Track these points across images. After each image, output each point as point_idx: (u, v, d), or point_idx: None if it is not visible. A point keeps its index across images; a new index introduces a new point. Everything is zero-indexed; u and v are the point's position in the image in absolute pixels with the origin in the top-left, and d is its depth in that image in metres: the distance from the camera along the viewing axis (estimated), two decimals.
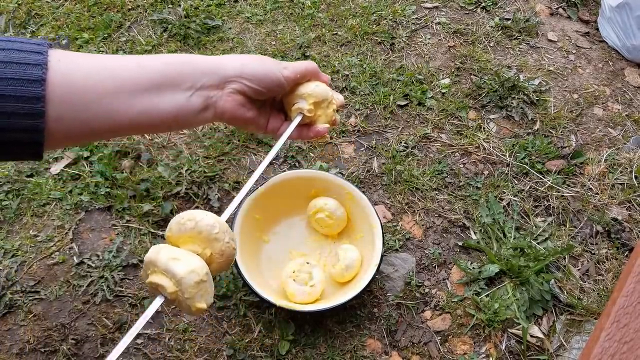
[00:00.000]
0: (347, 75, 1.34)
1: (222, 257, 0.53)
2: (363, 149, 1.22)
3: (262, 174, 1.17)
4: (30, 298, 0.97)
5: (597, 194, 1.18)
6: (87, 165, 1.14)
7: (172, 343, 0.94)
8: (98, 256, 1.03)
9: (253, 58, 0.62)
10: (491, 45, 1.45)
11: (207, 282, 0.51)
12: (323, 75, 0.69)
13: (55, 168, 1.14)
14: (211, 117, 0.60)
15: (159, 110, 0.55)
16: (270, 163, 1.17)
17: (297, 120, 0.67)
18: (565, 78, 1.40)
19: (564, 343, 0.98)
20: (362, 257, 0.98)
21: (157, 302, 0.50)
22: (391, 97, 1.30)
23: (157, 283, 0.49)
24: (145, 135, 1.21)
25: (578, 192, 1.18)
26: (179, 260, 0.49)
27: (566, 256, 1.08)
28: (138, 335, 0.95)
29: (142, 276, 0.53)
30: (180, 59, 0.57)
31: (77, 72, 0.50)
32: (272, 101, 0.68)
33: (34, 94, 0.46)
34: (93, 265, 1.01)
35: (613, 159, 1.24)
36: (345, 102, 1.29)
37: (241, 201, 0.98)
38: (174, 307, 0.52)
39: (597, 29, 1.53)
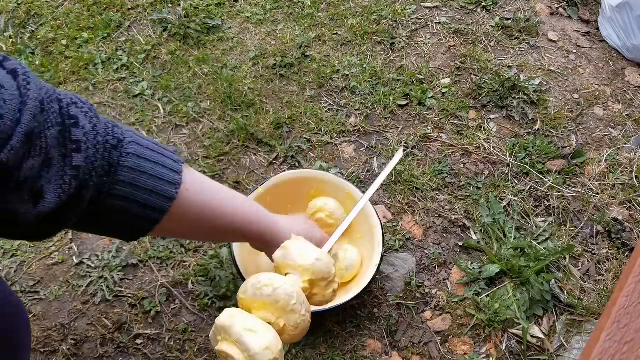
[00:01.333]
0: (347, 75, 1.34)
1: (295, 330, 0.50)
2: (363, 149, 1.22)
3: (262, 174, 1.17)
4: (30, 298, 0.97)
5: (598, 194, 1.18)
6: None
7: (172, 343, 0.94)
8: (98, 256, 1.02)
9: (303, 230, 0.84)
10: (491, 45, 1.45)
11: (280, 359, 0.48)
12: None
13: None
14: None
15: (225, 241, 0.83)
16: (270, 163, 1.17)
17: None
18: (565, 78, 1.40)
19: (565, 343, 0.98)
20: (362, 258, 0.98)
21: None
22: (391, 97, 1.29)
23: (228, 354, 0.47)
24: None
25: (578, 192, 1.18)
26: (254, 333, 0.47)
27: (567, 256, 1.07)
28: (138, 336, 0.95)
29: (211, 338, 0.51)
30: (269, 221, 0.76)
31: (197, 199, 0.62)
32: None
33: (162, 208, 0.57)
34: (92, 265, 1.01)
35: (614, 159, 1.23)
36: (345, 102, 1.29)
37: None
38: None
39: (598, 29, 1.53)
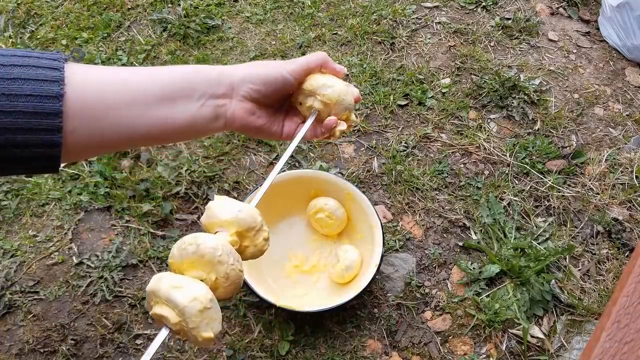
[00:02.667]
0: (347, 75, 1.34)
1: (227, 281, 0.50)
2: (363, 149, 1.22)
3: (261, 174, 1.17)
4: (30, 298, 0.97)
5: (598, 194, 1.18)
6: (86, 165, 1.13)
7: (172, 343, 0.94)
8: (97, 256, 1.02)
9: (258, 62, 0.61)
10: (492, 44, 1.45)
11: (212, 309, 0.48)
12: (336, 66, 0.64)
13: None
14: (222, 126, 0.60)
15: (173, 120, 0.56)
16: (270, 163, 1.17)
17: (310, 121, 0.62)
18: (565, 78, 1.40)
19: (565, 343, 0.98)
20: (362, 258, 0.98)
21: (162, 335, 0.47)
22: (391, 97, 1.29)
23: (160, 314, 0.47)
24: None
25: (579, 192, 1.18)
26: (180, 288, 0.47)
27: (567, 256, 1.07)
28: (137, 336, 0.95)
29: (146, 308, 0.51)
30: (189, 69, 0.58)
31: (92, 86, 0.51)
32: (288, 107, 0.66)
33: (52, 110, 0.47)
34: (92, 265, 1.01)
35: (614, 159, 1.23)
36: None
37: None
38: (183, 339, 0.49)
39: (598, 29, 1.53)
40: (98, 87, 0.51)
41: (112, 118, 0.52)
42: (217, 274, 0.50)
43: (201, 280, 0.49)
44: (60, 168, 0.51)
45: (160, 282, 0.48)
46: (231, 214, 0.54)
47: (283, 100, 0.64)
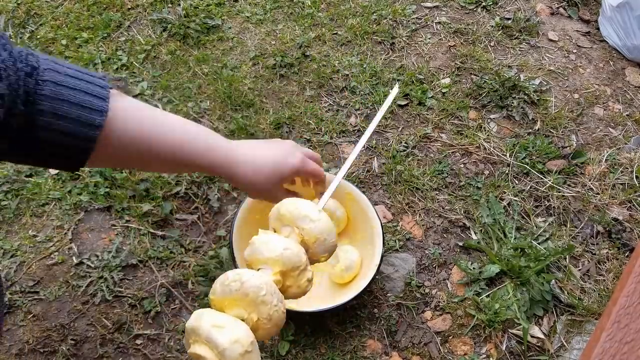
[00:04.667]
0: (347, 75, 1.34)
1: (269, 323, 0.48)
2: (363, 148, 1.22)
3: None
4: (30, 298, 0.97)
5: (598, 194, 1.18)
6: None
7: (172, 343, 0.94)
8: (97, 256, 1.02)
9: (263, 156, 0.70)
10: (492, 44, 1.45)
11: (252, 352, 0.46)
12: (315, 172, 0.76)
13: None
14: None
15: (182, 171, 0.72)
16: None
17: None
18: (565, 78, 1.40)
19: (565, 343, 0.98)
20: (361, 259, 0.98)
21: None
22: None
23: (199, 355, 0.45)
24: None
25: (579, 192, 1.18)
26: (222, 328, 0.45)
27: (567, 256, 1.07)
28: (137, 336, 0.95)
29: (185, 345, 0.49)
30: (208, 145, 0.66)
31: (126, 127, 0.58)
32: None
33: (89, 137, 0.54)
34: (92, 265, 1.01)
35: (614, 159, 1.23)
36: (345, 101, 1.29)
37: (241, 201, 0.97)
38: None
39: (598, 29, 1.53)
40: (131, 130, 0.58)
41: (133, 156, 0.61)
42: (259, 315, 0.48)
43: (242, 320, 0.47)
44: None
45: (201, 320, 0.46)
46: (277, 252, 0.52)
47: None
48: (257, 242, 0.53)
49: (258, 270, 0.53)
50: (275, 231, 0.58)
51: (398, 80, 1.33)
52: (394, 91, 0.73)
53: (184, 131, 0.64)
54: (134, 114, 0.59)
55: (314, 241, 0.56)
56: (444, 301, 1.02)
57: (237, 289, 0.47)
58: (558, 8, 1.58)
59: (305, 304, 0.93)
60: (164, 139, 0.62)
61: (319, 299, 0.96)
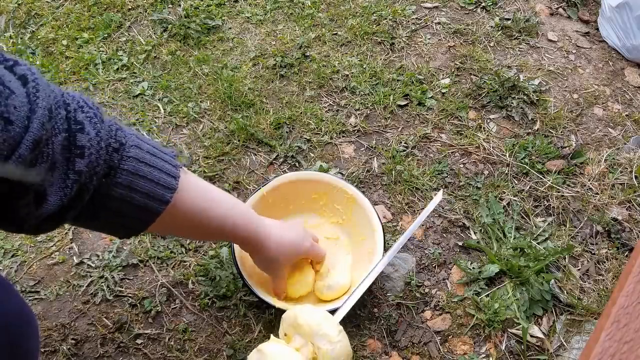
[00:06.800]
0: (347, 75, 1.34)
1: None
2: (363, 149, 1.22)
3: (262, 174, 1.17)
4: (30, 298, 0.97)
5: (597, 194, 1.18)
6: None
7: (172, 343, 0.94)
8: (98, 256, 1.03)
9: (286, 242, 0.85)
10: (491, 45, 1.45)
11: None
12: (318, 255, 0.95)
13: None
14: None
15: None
16: (270, 163, 1.18)
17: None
18: (565, 78, 1.40)
19: (564, 343, 0.98)
20: (350, 286, 0.95)
21: None
22: (391, 97, 1.30)
23: None
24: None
25: (578, 192, 1.18)
26: None
27: (566, 256, 1.08)
28: (138, 336, 0.95)
29: None
30: (256, 234, 0.79)
31: (187, 205, 0.64)
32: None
33: (156, 210, 0.59)
34: (93, 265, 1.01)
35: (613, 159, 1.24)
36: (345, 102, 1.29)
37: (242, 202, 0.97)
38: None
39: (597, 29, 1.53)
40: (190, 207, 0.65)
41: (185, 230, 0.71)
42: None
43: None
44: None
45: None
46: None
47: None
48: (266, 352, 0.52)
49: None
50: (285, 335, 0.58)
51: (398, 80, 1.33)
52: (438, 196, 0.85)
53: (232, 204, 0.75)
54: (197, 192, 0.66)
55: None
56: (443, 301, 1.02)
57: None
58: (557, 8, 1.58)
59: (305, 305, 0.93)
60: (222, 215, 0.71)
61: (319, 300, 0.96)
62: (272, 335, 0.55)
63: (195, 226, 0.68)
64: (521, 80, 1.34)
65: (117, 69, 1.33)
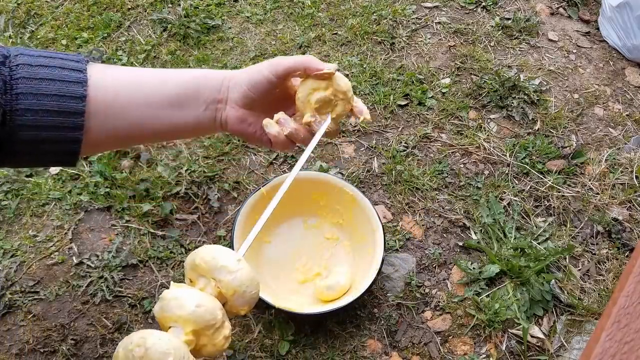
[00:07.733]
0: (347, 75, 1.34)
1: None
2: (363, 148, 1.22)
3: (262, 174, 1.16)
4: (30, 298, 0.97)
5: (598, 194, 1.18)
6: (86, 165, 1.14)
7: None
8: (97, 256, 1.02)
9: (253, 66, 0.63)
10: (491, 45, 1.45)
11: None
12: (323, 66, 0.62)
13: (55, 168, 1.14)
14: (219, 128, 0.64)
15: (180, 122, 0.61)
16: (270, 163, 1.17)
17: (319, 133, 0.64)
18: (565, 78, 1.40)
19: (565, 343, 0.98)
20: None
21: None
22: (391, 97, 1.29)
23: None
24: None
25: (579, 192, 1.18)
26: None
27: (567, 256, 1.07)
28: None
29: None
30: (198, 73, 0.62)
31: (109, 87, 0.55)
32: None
33: (76, 110, 0.52)
34: (92, 265, 1.01)
35: (614, 159, 1.23)
36: None
37: (242, 202, 0.97)
38: None
39: (598, 29, 1.53)
40: (115, 88, 0.55)
41: (126, 118, 0.57)
42: None
43: None
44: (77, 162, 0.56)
45: None
46: (188, 310, 0.47)
47: (274, 106, 0.65)
48: (167, 298, 0.48)
49: (169, 329, 0.48)
50: (191, 281, 0.53)
51: (398, 80, 1.33)
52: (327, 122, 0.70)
53: (175, 73, 0.60)
54: (117, 76, 0.56)
55: (232, 294, 0.51)
56: (443, 301, 1.02)
57: (140, 355, 0.43)
58: (558, 8, 1.58)
59: (305, 306, 0.93)
60: (153, 83, 0.58)
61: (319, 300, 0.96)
62: (172, 282, 0.52)
63: (139, 117, 0.57)
64: (521, 80, 1.34)
65: None
